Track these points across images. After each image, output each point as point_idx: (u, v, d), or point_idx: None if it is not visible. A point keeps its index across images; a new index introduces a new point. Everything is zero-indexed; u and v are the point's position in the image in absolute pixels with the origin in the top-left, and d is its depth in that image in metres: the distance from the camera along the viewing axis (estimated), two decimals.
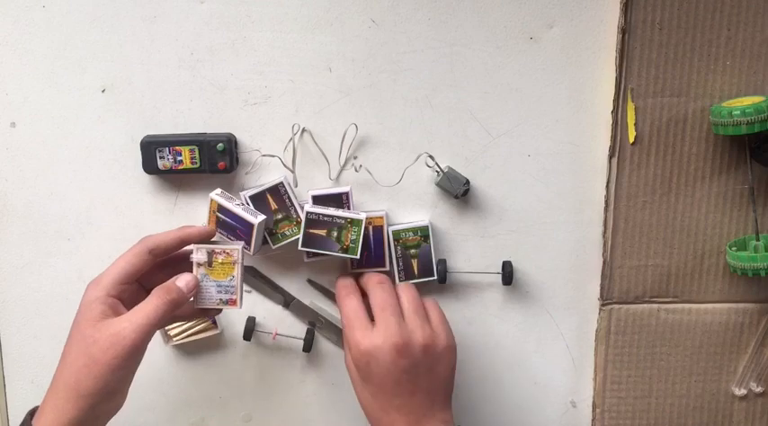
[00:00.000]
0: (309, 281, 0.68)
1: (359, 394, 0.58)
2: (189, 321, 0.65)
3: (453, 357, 0.59)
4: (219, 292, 0.56)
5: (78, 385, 0.50)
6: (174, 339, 0.66)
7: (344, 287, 0.61)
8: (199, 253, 0.57)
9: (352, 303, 0.59)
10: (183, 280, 0.55)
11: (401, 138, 0.66)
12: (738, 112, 0.59)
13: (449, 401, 0.58)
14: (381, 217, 0.65)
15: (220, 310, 0.59)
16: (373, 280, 0.61)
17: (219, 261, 0.56)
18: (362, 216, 0.63)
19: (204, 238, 0.58)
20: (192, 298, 0.57)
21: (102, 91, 0.65)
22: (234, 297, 0.57)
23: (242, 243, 0.59)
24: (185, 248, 0.58)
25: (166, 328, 0.66)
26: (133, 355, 0.52)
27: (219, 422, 0.71)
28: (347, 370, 0.59)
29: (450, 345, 0.59)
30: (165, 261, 0.58)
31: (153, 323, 0.52)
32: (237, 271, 0.56)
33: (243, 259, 0.57)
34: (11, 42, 0.64)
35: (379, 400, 0.55)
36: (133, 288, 0.56)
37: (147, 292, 0.57)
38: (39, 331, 0.69)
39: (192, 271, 0.57)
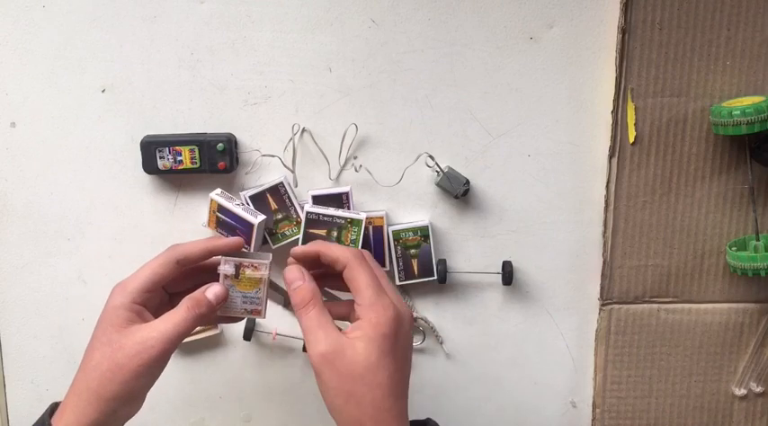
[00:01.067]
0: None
1: (365, 381, 0.48)
2: (207, 325, 0.63)
3: None
4: (245, 302, 0.56)
5: (101, 389, 0.50)
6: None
7: (351, 252, 0.53)
8: (227, 266, 0.55)
9: (370, 268, 0.52)
10: (212, 293, 0.54)
11: (401, 138, 0.66)
12: (738, 112, 0.59)
13: None
14: (381, 217, 0.65)
15: (243, 318, 0.58)
16: (354, 259, 0.52)
17: (247, 274, 0.55)
18: (362, 216, 0.63)
19: (232, 249, 0.57)
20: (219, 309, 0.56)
21: (102, 91, 0.65)
22: (259, 307, 0.57)
23: (270, 256, 0.56)
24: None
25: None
26: (159, 363, 0.52)
27: (219, 422, 0.71)
28: (334, 358, 0.49)
29: None
30: (191, 270, 0.57)
31: (180, 334, 0.52)
32: (264, 284, 0.55)
33: (270, 272, 0.56)
34: (11, 42, 0.64)
35: (397, 378, 0.50)
36: (157, 294, 0.55)
37: (171, 297, 0.57)
38: (39, 331, 0.69)
39: (218, 280, 0.56)
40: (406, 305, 0.53)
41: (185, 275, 0.56)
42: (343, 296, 0.58)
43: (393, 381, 0.49)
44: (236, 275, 0.55)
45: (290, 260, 0.56)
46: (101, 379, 0.50)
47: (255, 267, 0.55)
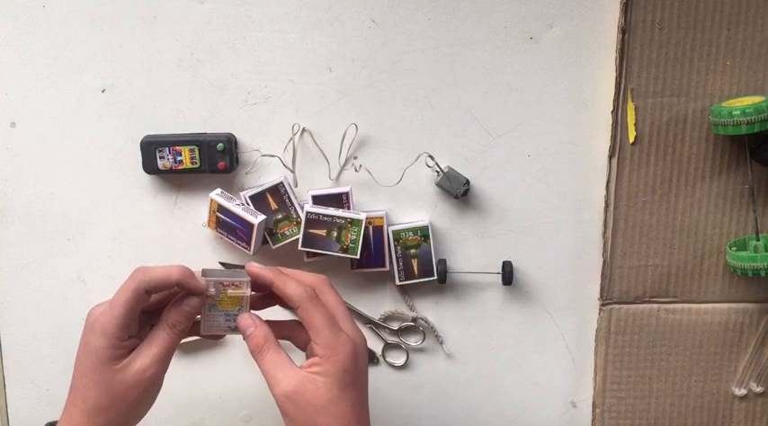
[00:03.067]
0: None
1: (327, 414, 0.50)
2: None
3: None
4: (228, 320, 0.55)
5: (109, 422, 0.51)
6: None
7: (304, 290, 0.52)
8: (210, 289, 0.54)
9: (323, 306, 0.52)
10: (187, 304, 0.53)
11: (401, 138, 0.66)
12: (738, 112, 0.59)
13: None
14: (381, 217, 0.65)
15: (224, 335, 0.57)
16: (315, 282, 0.54)
17: (229, 294, 0.55)
18: (362, 216, 0.63)
19: (199, 293, 0.54)
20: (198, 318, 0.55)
21: (102, 91, 0.65)
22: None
23: (248, 277, 0.55)
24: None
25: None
26: (158, 383, 0.53)
27: (219, 422, 0.71)
28: (299, 397, 0.50)
29: None
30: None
31: (169, 351, 0.52)
32: (246, 301, 0.55)
33: (249, 289, 0.55)
34: (11, 42, 0.64)
35: (359, 407, 0.52)
36: (136, 320, 0.54)
37: (146, 313, 0.55)
38: (39, 331, 0.69)
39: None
40: (358, 330, 0.53)
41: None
42: None
43: (356, 410, 0.51)
44: (217, 294, 0.54)
45: (247, 272, 0.55)
46: (106, 416, 0.51)
47: (236, 286, 0.54)
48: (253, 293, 0.55)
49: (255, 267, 0.54)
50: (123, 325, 0.51)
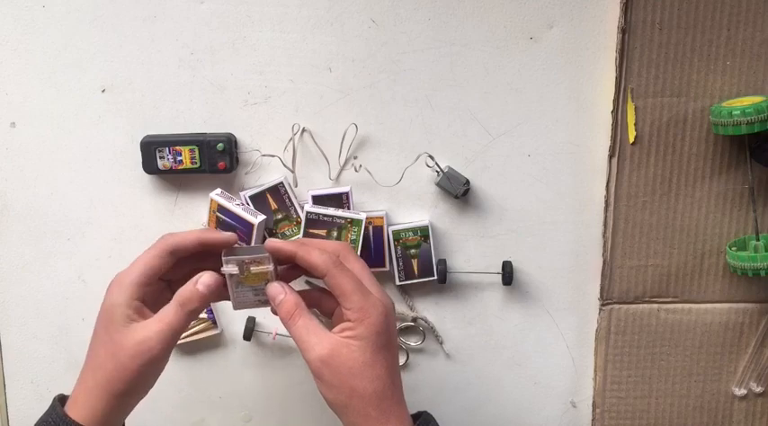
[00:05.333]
0: (308, 283, 0.68)
1: (364, 378, 0.50)
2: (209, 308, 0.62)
3: None
4: (257, 295, 0.55)
5: (110, 386, 0.51)
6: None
7: (329, 257, 0.52)
8: (229, 266, 0.54)
9: (349, 272, 0.52)
10: (203, 284, 0.53)
11: (401, 138, 0.66)
12: (738, 112, 0.59)
13: None
14: (381, 217, 0.65)
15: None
16: (336, 249, 0.54)
17: (252, 271, 0.55)
18: (362, 216, 0.63)
19: (226, 245, 0.56)
20: (217, 297, 0.55)
21: (102, 91, 0.65)
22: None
23: (267, 253, 0.55)
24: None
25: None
26: (160, 361, 0.53)
27: (219, 422, 0.71)
28: (333, 361, 0.50)
29: None
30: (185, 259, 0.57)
31: (176, 331, 0.52)
32: (272, 275, 0.54)
33: (272, 263, 0.54)
34: (11, 42, 0.64)
35: (391, 374, 0.52)
36: (155, 286, 0.55)
37: (169, 284, 0.56)
38: (39, 331, 0.69)
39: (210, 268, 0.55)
40: (385, 293, 0.54)
41: (181, 263, 0.56)
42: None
43: (391, 371, 0.51)
44: (242, 272, 0.54)
45: (267, 250, 0.55)
46: (109, 377, 0.51)
47: (259, 262, 0.54)
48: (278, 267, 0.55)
49: (276, 242, 0.54)
50: (141, 282, 0.52)
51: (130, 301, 0.52)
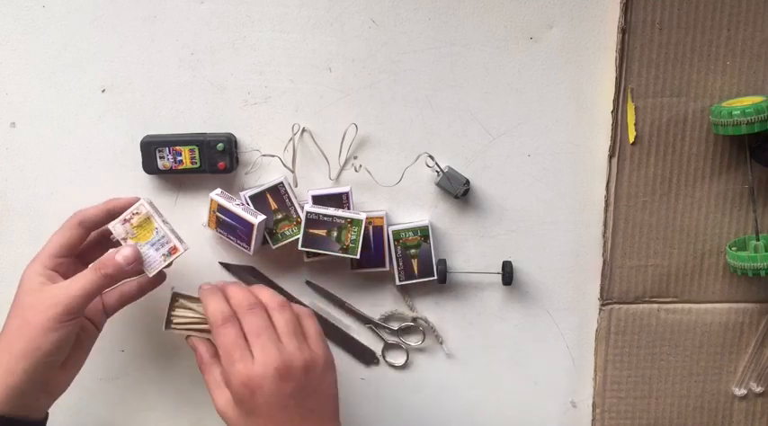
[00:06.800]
0: (308, 283, 0.68)
1: None
2: (139, 296, 0.62)
3: (334, 372, 0.56)
4: (157, 249, 0.57)
5: (11, 348, 0.52)
6: (175, 325, 0.62)
7: (220, 313, 0.55)
8: (116, 229, 0.58)
9: (230, 333, 0.54)
10: (120, 255, 0.56)
11: (401, 138, 0.66)
12: (738, 112, 0.59)
13: (337, 417, 0.56)
14: (381, 217, 0.65)
15: (170, 264, 0.59)
16: (243, 306, 0.55)
17: (135, 224, 0.57)
18: (362, 216, 0.63)
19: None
20: (134, 271, 0.58)
21: (102, 91, 0.65)
22: (171, 244, 0.58)
23: (141, 199, 0.59)
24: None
25: (171, 313, 0.62)
26: (66, 319, 0.53)
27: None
28: (221, 415, 0.55)
29: (328, 360, 0.56)
30: (102, 237, 0.61)
31: (87, 293, 0.54)
32: (158, 222, 0.57)
33: (154, 208, 0.58)
34: (11, 42, 0.64)
35: (278, 422, 0.53)
36: (71, 262, 0.58)
37: (85, 266, 0.59)
38: None
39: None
40: (277, 359, 0.53)
41: (98, 244, 0.60)
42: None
43: None
44: (132, 233, 0.57)
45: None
46: (9, 339, 0.53)
47: (136, 212, 0.57)
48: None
49: (203, 286, 0.58)
50: (52, 253, 0.56)
51: (42, 270, 0.55)
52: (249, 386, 0.52)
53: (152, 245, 0.57)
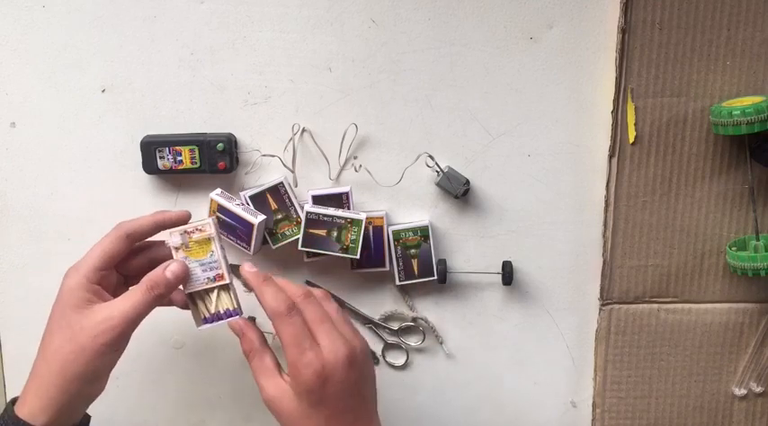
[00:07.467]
0: (308, 283, 0.68)
1: (315, 424, 0.52)
2: (184, 308, 0.63)
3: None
4: (204, 271, 0.56)
5: (64, 370, 0.51)
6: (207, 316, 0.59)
7: (284, 302, 0.53)
8: (173, 237, 0.56)
9: (297, 321, 0.52)
10: (170, 271, 0.54)
11: (401, 138, 0.66)
12: (738, 112, 0.59)
13: (376, 400, 0.56)
14: (381, 217, 0.65)
15: (210, 290, 0.57)
16: (298, 295, 0.54)
17: (195, 239, 0.56)
18: (362, 216, 0.63)
19: (180, 222, 0.58)
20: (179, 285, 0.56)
21: (102, 91, 0.65)
22: (220, 271, 0.56)
23: (212, 217, 0.58)
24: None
25: (201, 308, 0.60)
26: (120, 342, 0.53)
27: (219, 422, 0.71)
28: (271, 404, 0.52)
29: (366, 341, 0.55)
30: (140, 246, 0.59)
31: (140, 314, 0.53)
32: (216, 245, 0.56)
33: (218, 232, 0.56)
34: (11, 42, 0.64)
35: (333, 423, 0.51)
36: (111, 274, 0.56)
37: (125, 278, 0.58)
38: (39, 331, 0.68)
39: (171, 257, 0.56)
40: (343, 345, 0.52)
41: (135, 253, 0.58)
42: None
43: (331, 423, 0.51)
44: (186, 245, 0.55)
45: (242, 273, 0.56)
46: (64, 361, 0.51)
47: (200, 229, 0.56)
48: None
49: (246, 270, 0.55)
50: (97, 266, 0.54)
51: (88, 284, 0.53)
52: (322, 375, 0.50)
53: (201, 265, 0.56)
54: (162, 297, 0.54)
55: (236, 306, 0.57)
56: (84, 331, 0.51)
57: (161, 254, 0.58)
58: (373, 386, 0.55)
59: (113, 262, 0.55)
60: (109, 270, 0.55)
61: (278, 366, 0.54)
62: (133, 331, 0.53)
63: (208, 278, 0.56)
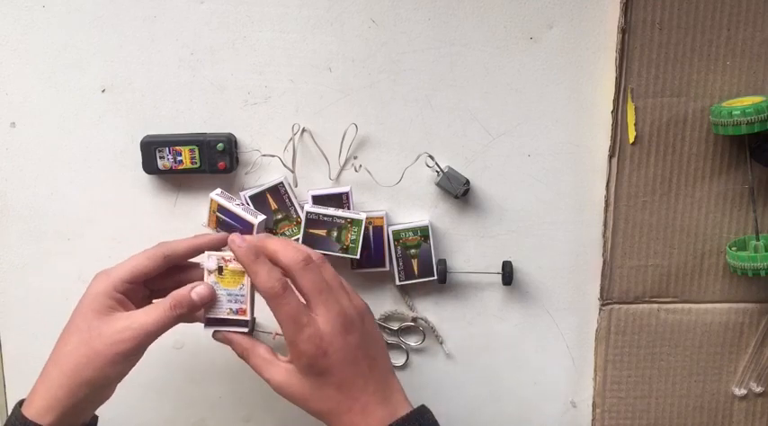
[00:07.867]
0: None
1: (316, 400, 0.52)
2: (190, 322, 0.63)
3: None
4: (230, 301, 0.55)
5: (76, 373, 0.51)
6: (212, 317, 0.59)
7: (277, 282, 0.51)
8: (210, 261, 0.55)
9: (292, 300, 0.51)
10: (197, 293, 0.54)
11: (401, 138, 0.66)
12: (738, 112, 0.59)
13: (390, 360, 0.56)
14: (381, 217, 0.65)
15: (230, 321, 0.56)
16: (297, 262, 0.52)
17: (230, 268, 0.55)
18: (362, 216, 0.63)
19: (218, 245, 0.57)
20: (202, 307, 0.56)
21: (102, 91, 0.65)
22: (243, 306, 0.56)
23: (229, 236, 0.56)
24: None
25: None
26: (134, 354, 0.53)
27: (219, 422, 0.71)
28: (282, 390, 0.53)
29: (367, 305, 0.55)
30: (175, 264, 0.58)
31: (159, 329, 0.53)
32: (248, 280, 0.55)
33: None
34: (11, 42, 0.64)
35: (345, 390, 0.52)
36: (139, 287, 0.56)
37: (150, 292, 0.58)
38: (39, 331, 0.69)
39: (201, 278, 0.56)
40: (339, 312, 0.51)
41: (169, 273, 0.57)
42: None
43: (343, 387, 0.52)
44: (220, 271, 0.55)
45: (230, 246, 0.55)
46: (76, 364, 0.51)
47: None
48: None
49: (237, 245, 0.53)
50: (127, 278, 0.54)
51: (114, 293, 0.53)
52: (322, 346, 0.51)
53: (228, 295, 0.55)
54: (181, 318, 0.54)
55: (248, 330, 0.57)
56: (101, 337, 0.51)
57: (193, 276, 0.58)
58: (381, 347, 0.55)
59: (144, 279, 0.55)
60: (138, 284, 0.55)
61: (273, 353, 0.54)
62: (149, 344, 0.53)
63: (230, 309, 0.55)
